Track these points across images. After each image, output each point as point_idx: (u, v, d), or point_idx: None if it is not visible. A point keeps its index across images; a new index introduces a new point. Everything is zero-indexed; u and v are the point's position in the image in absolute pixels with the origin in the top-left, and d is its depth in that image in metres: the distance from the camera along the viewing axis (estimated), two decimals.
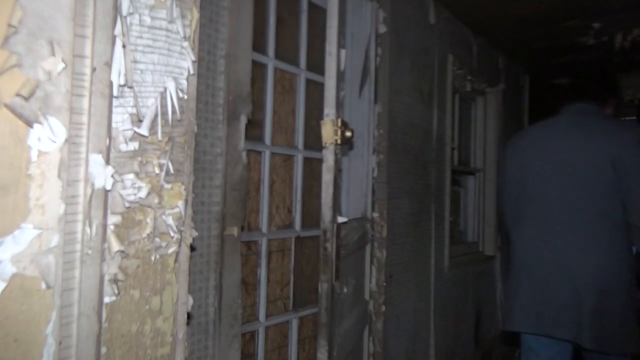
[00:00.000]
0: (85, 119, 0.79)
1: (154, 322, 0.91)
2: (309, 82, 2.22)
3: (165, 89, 0.94)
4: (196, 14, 0.95)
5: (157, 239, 0.91)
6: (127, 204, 0.86)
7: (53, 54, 0.71)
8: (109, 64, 0.82)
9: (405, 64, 2.66)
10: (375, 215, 2.30)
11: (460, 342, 3.34)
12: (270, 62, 1.99)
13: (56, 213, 0.72)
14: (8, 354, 0.67)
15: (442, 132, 3.10)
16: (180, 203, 0.96)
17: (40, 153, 0.70)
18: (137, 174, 0.88)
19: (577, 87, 2.10)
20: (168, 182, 0.94)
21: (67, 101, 0.74)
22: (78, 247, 0.78)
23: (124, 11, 0.81)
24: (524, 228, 2.03)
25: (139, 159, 0.89)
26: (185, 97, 1.00)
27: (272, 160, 2.06)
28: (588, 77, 2.13)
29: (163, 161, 0.93)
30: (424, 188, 2.89)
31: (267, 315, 1.98)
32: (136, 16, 0.85)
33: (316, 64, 2.17)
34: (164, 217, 0.91)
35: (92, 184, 0.80)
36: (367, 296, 2.21)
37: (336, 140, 1.49)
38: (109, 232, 0.83)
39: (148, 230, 0.89)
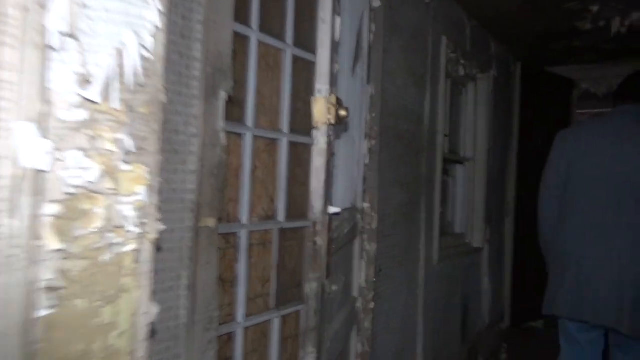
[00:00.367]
0: (9, 75, 0.59)
1: (105, 339, 0.72)
2: (296, 59, 2.01)
3: (124, 44, 0.74)
4: None
5: (111, 234, 0.71)
6: (70, 190, 0.67)
7: None
8: (43, 5, 0.62)
9: (399, 43, 2.48)
10: (366, 205, 2.13)
11: (447, 337, 3.22)
12: (254, 35, 1.78)
13: None
14: None
15: (435, 118, 2.94)
16: (142, 189, 0.76)
17: None
18: (84, 151, 0.68)
19: (624, 88, 2.18)
20: (126, 163, 0.74)
21: None
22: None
23: None
24: (570, 219, 2.15)
25: (88, 132, 0.69)
26: (152, 57, 0.80)
27: (254, 144, 1.86)
28: (636, 78, 2.21)
29: (120, 136, 0.73)
30: (415, 177, 2.73)
31: (247, 315, 1.80)
32: None
33: (304, 40, 1.97)
34: (119, 206, 0.72)
35: (21, 163, 0.60)
36: (355, 293, 2.04)
37: (329, 120, 1.31)
38: (44, 225, 0.64)
39: (98, 223, 0.69)
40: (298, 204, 2.14)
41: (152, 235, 0.78)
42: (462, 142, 3.74)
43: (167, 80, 1.22)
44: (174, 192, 1.28)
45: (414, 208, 2.72)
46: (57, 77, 0.64)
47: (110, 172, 0.71)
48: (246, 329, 1.83)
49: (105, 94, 0.70)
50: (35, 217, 0.62)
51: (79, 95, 0.67)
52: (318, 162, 1.32)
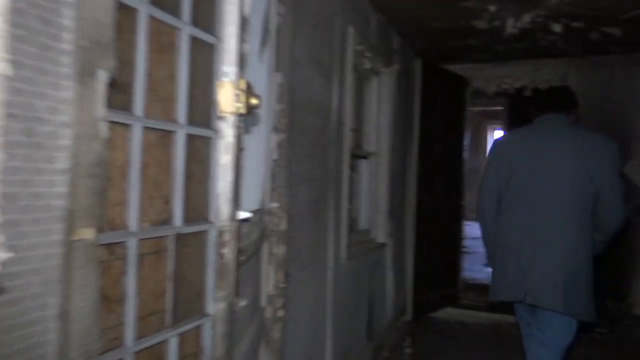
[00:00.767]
0: None
1: None
2: (195, 40, 1.76)
3: None
4: None
5: None
6: None
7: None
8: None
9: (307, 30, 2.31)
10: (275, 205, 1.94)
11: (354, 337, 3.14)
12: (144, 7, 1.50)
13: None
14: None
15: (342, 112, 2.82)
16: None
17: None
18: None
19: (546, 100, 2.50)
20: None
21: None
22: None
23: None
24: (512, 216, 2.41)
25: None
26: None
27: (144, 136, 1.58)
28: (556, 92, 2.58)
29: None
30: (323, 173, 2.59)
31: (138, 337, 1.53)
32: None
33: (204, 19, 1.72)
34: None
35: None
36: (263, 302, 1.85)
37: (238, 109, 1.10)
38: None
39: None
40: (197, 206, 1.89)
41: None
42: (366, 136, 3.68)
43: (23, 53, 0.93)
44: (36, 198, 0.99)
45: (322, 205, 2.59)
46: None
47: None
48: (137, 353, 1.56)
49: None
50: None
51: None
52: (225, 159, 1.11)
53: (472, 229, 10.34)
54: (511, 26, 3.49)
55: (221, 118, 1.10)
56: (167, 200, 1.80)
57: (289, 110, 2.12)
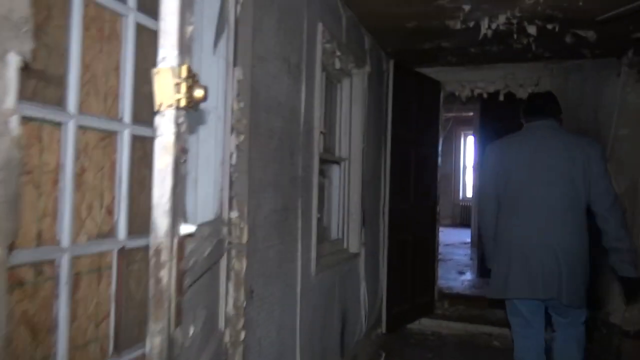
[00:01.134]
0: None
1: None
2: (141, 29, 1.55)
3: None
4: None
5: None
6: None
7: None
8: None
9: (272, 23, 2.13)
10: (234, 215, 1.74)
11: (326, 353, 2.95)
12: None
13: None
14: None
15: (311, 114, 2.65)
16: None
17: None
18: None
19: (535, 107, 2.66)
20: None
21: None
22: None
23: None
24: (512, 217, 2.54)
25: None
26: None
27: (80, 137, 1.36)
28: (543, 99, 2.70)
29: None
30: (290, 179, 2.40)
31: None
32: None
33: (151, 5, 1.52)
34: None
35: None
36: (221, 325, 1.64)
37: (178, 101, 0.91)
38: None
39: None
40: (146, 216, 1.67)
41: None
42: (337, 141, 3.52)
43: None
44: None
45: (290, 214, 2.39)
46: None
47: None
48: None
49: None
50: None
51: None
52: (162, 162, 0.91)
53: (446, 236, 10.32)
54: (486, 27, 3.38)
55: (158, 112, 0.91)
56: (110, 210, 1.57)
57: (251, 110, 1.93)
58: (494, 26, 3.38)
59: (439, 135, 4.85)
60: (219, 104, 1.60)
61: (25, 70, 1.00)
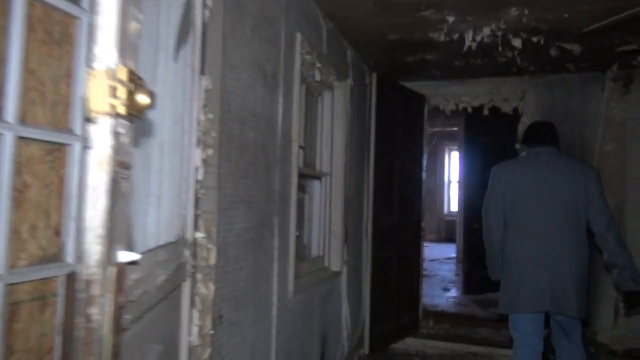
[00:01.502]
0: None
1: None
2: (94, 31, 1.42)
3: None
4: None
5: None
6: None
7: None
8: None
9: (245, 31, 2.01)
10: (200, 235, 1.60)
11: None
12: None
13: None
14: None
15: (289, 126, 2.53)
16: None
17: None
18: None
19: (537, 135, 2.86)
20: None
21: None
22: None
23: None
24: (521, 235, 2.72)
25: None
26: None
27: (22, 149, 1.22)
28: (544, 128, 2.89)
29: None
30: (266, 195, 2.27)
31: None
32: None
33: None
34: None
35: None
36: (183, 356, 1.49)
37: (114, 107, 0.78)
38: None
39: None
40: None
41: None
42: (318, 155, 3.40)
43: None
44: None
45: (265, 232, 2.26)
46: None
47: None
48: None
49: None
50: None
51: None
52: (95, 178, 0.78)
53: (431, 251, 10.23)
54: (470, 39, 3.31)
55: (90, 120, 0.78)
56: (57, 231, 1.42)
57: (221, 122, 1.80)
58: (478, 38, 3.31)
59: (424, 150, 4.76)
60: (184, 115, 1.47)
61: None
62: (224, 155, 1.87)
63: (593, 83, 4.24)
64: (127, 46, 0.84)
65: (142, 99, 0.83)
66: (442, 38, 3.34)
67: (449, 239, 10.85)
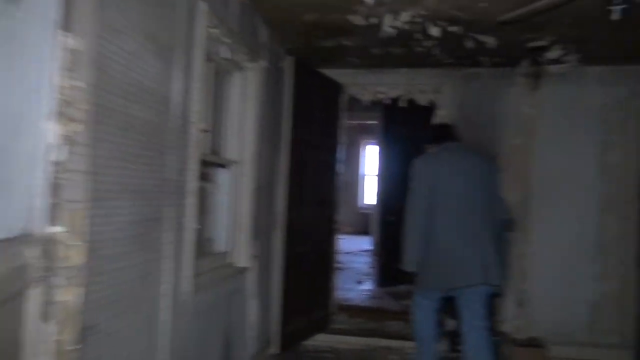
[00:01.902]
0: None
1: None
2: None
3: None
4: None
5: None
6: None
7: None
8: None
9: None
10: (59, 230, 1.29)
11: None
12: None
13: None
14: None
15: (189, 107, 2.23)
16: None
17: None
18: None
19: (444, 133, 3.23)
20: None
21: None
22: None
23: None
24: (442, 223, 2.95)
25: None
26: None
27: None
28: (449, 128, 3.29)
29: None
30: (157, 183, 1.97)
31: None
32: None
33: None
34: None
35: None
36: None
37: None
38: None
39: None
40: None
41: None
42: (226, 141, 3.12)
43: None
44: None
45: (155, 226, 1.96)
46: None
47: None
48: None
49: None
50: None
51: None
52: None
53: (347, 243, 10.23)
54: (388, 25, 3.18)
55: None
56: None
57: (97, 93, 1.49)
58: (397, 24, 3.19)
59: (341, 141, 4.61)
60: (28, 79, 1.15)
61: None
62: (102, 134, 1.56)
63: (505, 78, 4.30)
64: None
65: None
66: (360, 21, 3.18)
67: (365, 231, 10.93)
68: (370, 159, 12.19)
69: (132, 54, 1.75)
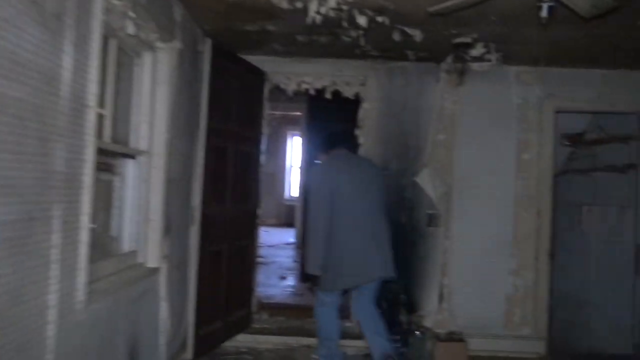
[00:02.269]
0: None
1: None
2: None
3: None
4: None
5: None
6: None
7: None
8: None
9: None
10: None
11: None
12: None
13: None
14: None
15: (83, 87, 1.92)
16: None
17: None
18: None
19: (340, 139, 3.48)
20: None
21: None
22: None
23: None
24: (346, 225, 3.14)
25: None
26: None
27: None
28: (344, 135, 3.62)
29: None
30: (39, 177, 1.66)
31: None
32: None
33: None
34: None
35: None
36: None
37: None
38: None
39: None
40: None
41: None
42: (133, 129, 2.81)
43: None
44: None
45: (38, 228, 1.66)
46: None
47: None
48: None
49: None
50: None
51: None
52: None
53: (270, 236, 10.03)
54: (314, 10, 3.00)
55: None
56: None
57: None
58: (323, 10, 3.02)
59: (263, 131, 4.39)
60: None
61: None
62: None
63: (429, 74, 4.28)
64: None
65: None
66: (286, 5, 2.98)
67: (289, 223, 10.79)
68: (295, 150, 12.03)
69: (6, 21, 1.44)
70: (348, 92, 4.44)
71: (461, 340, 3.93)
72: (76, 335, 1.94)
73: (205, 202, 3.56)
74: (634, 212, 4.52)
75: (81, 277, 1.96)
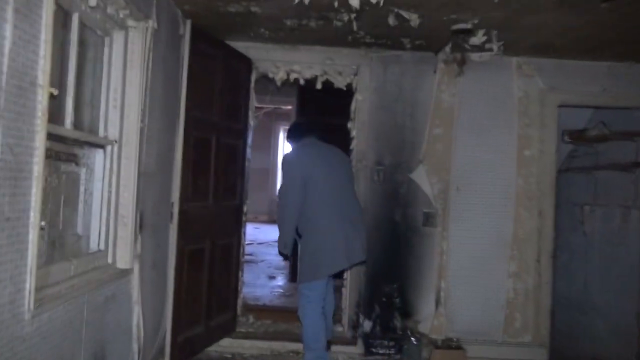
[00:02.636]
0: None
1: None
2: None
3: None
4: None
5: None
6: None
7: None
8: None
9: None
10: None
11: None
12: None
13: None
14: None
15: (32, 63, 1.66)
16: None
17: None
18: None
19: (309, 130, 3.54)
20: None
21: None
22: None
23: None
24: (323, 211, 3.24)
25: None
26: None
27: None
28: (312, 125, 3.66)
29: None
30: None
31: None
32: None
33: None
34: None
35: None
36: None
37: None
38: None
39: None
40: None
41: None
42: (102, 115, 2.54)
43: None
44: None
45: None
46: None
47: None
48: None
49: None
50: None
51: None
52: None
53: (261, 233, 9.76)
54: None
55: None
56: None
57: None
58: None
59: (249, 123, 4.13)
60: None
61: None
62: None
63: (426, 64, 4.04)
64: None
65: None
66: None
67: None
68: (286, 145, 11.79)
69: None
70: (340, 83, 4.20)
71: (459, 347, 3.70)
72: (20, 349, 1.68)
73: (185, 198, 3.29)
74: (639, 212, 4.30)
75: (29, 283, 1.70)
